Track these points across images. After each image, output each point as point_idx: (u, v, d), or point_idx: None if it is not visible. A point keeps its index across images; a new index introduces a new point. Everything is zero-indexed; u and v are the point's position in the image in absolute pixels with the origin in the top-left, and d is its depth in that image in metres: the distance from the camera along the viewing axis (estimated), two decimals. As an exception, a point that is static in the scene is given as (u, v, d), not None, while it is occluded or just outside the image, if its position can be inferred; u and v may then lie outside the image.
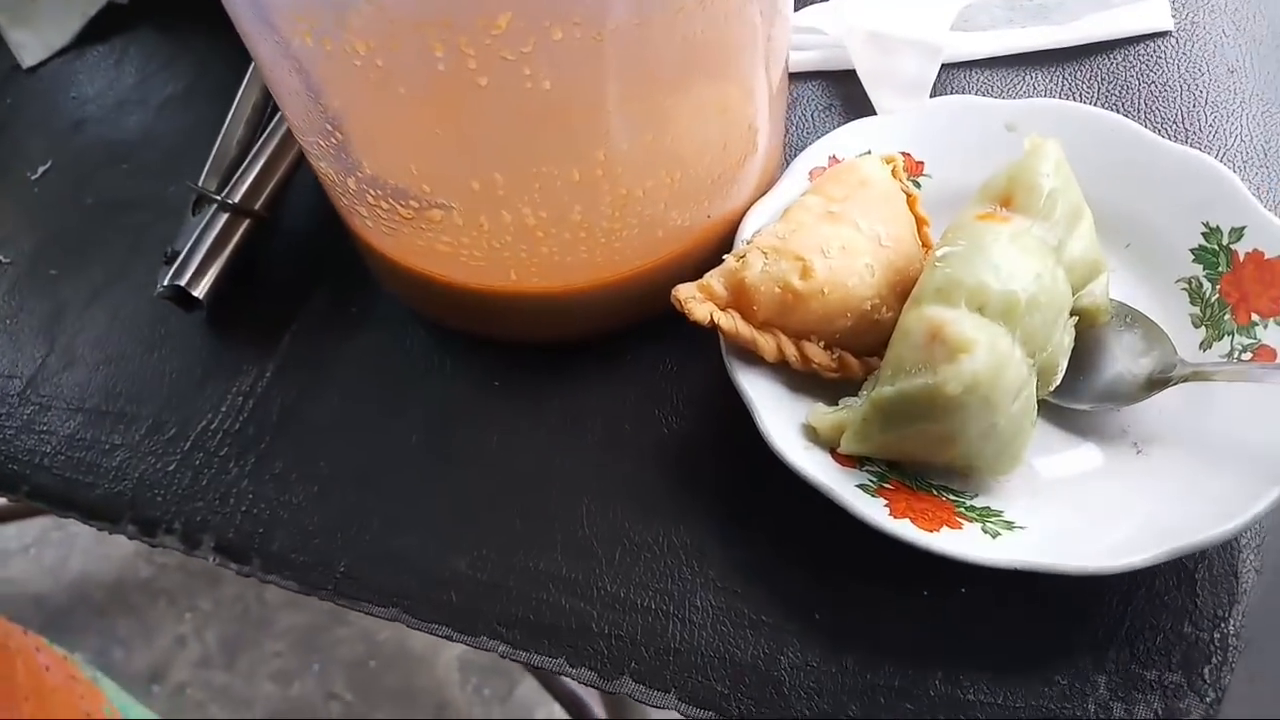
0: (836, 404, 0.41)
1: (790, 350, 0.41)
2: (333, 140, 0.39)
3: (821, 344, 0.41)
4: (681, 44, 0.36)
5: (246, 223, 0.50)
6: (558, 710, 1.17)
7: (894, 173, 0.44)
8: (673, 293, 0.41)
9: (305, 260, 0.52)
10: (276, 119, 0.52)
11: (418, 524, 0.43)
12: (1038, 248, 0.38)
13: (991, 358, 0.36)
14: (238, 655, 1.36)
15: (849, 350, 0.42)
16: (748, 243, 0.42)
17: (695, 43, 0.36)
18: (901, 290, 0.41)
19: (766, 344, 0.41)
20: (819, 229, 0.41)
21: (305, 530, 0.44)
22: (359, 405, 0.47)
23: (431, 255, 0.42)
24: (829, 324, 0.41)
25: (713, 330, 0.41)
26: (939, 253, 0.39)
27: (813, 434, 0.40)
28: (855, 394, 0.41)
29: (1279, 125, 0.49)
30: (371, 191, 0.40)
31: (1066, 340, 0.40)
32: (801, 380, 0.42)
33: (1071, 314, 0.40)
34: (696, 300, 0.41)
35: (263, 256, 0.52)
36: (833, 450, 0.40)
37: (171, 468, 0.46)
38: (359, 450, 0.46)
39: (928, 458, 0.40)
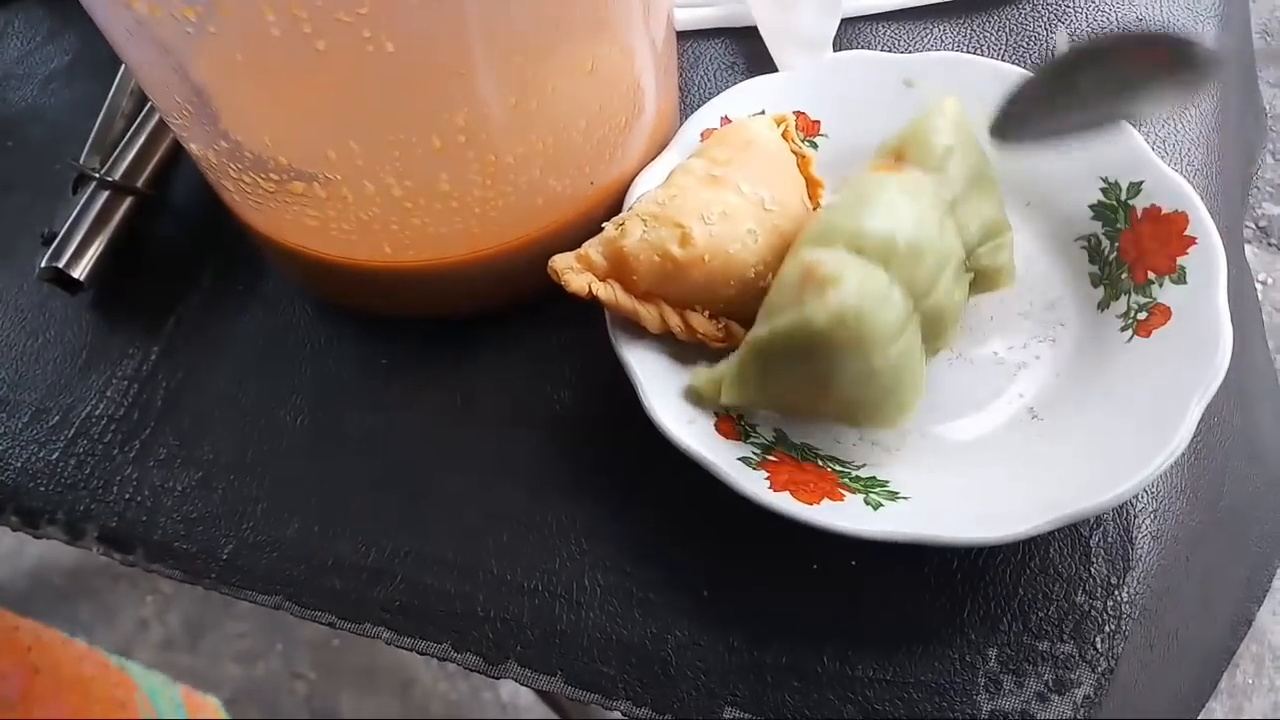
0: (719, 365, 0.40)
1: (674, 320, 0.39)
2: (186, 112, 0.37)
3: (706, 313, 0.40)
4: (539, 2, 0.34)
5: (129, 200, 0.48)
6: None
7: (785, 134, 0.43)
8: (549, 263, 0.39)
9: (192, 239, 0.50)
10: (158, 92, 0.50)
11: (302, 509, 0.42)
12: (928, 199, 0.37)
13: (862, 291, 0.35)
14: (201, 637, 1.36)
15: (736, 319, 0.40)
16: (629, 210, 0.41)
17: None
18: (787, 255, 0.40)
19: (649, 315, 0.39)
20: (700, 193, 0.40)
21: (189, 518, 0.43)
22: (245, 388, 0.45)
23: (301, 229, 0.40)
24: (713, 292, 0.39)
25: (593, 302, 0.39)
26: (825, 203, 0.37)
27: (696, 397, 0.39)
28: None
29: (1189, 75, 0.47)
30: (232, 165, 0.38)
31: (958, 294, 0.38)
32: (688, 352, 0.40)
33: (969, 270, 0.39)
34: (574, 271, 0.39)
35: (148, 236, 0.50)
36: (718, 416, 0.39)
37: (54, 456, 0.45)
38: (244, 434, 0.44)
39: (809, 407, 0.38)
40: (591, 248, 0.40)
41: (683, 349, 0.40)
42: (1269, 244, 1.49)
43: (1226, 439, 0.42)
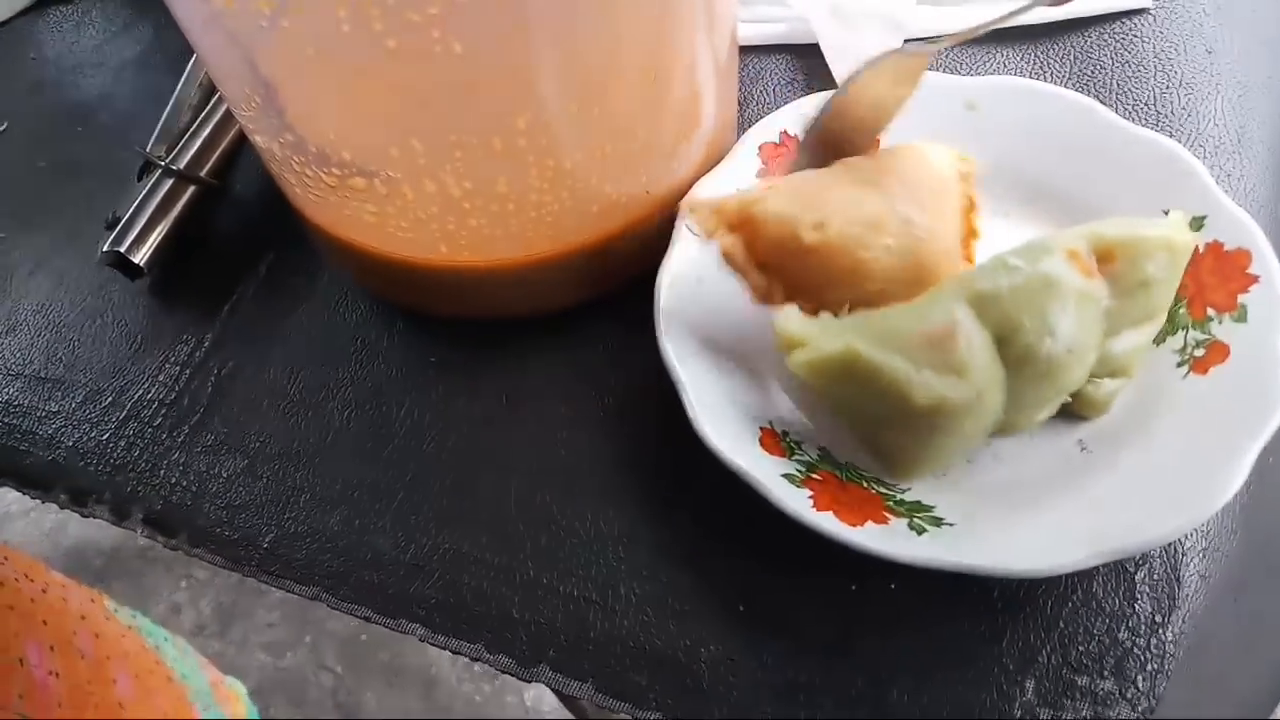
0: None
1: (779, 300, 0.39)
2: (254, 104, 0.37)
3: (812, 308, 0.39)
4: (606, 7, 0.34)
5: (192, 189, 0.49)
6: (545, 690, 1.17)
7: (964, 175, 0.41)
8: (684, 201, 0.41)
9: (253, 230, 0.51)
10: (225, 84, 0.51)
11: (344, 502, 0.43)
12: (1093, 321, 0.36)
13: (970, 399, 0.34)
14: (231, 624, 1.37)
15: None
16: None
17: (621, 9, 0.34)
18: (917, 288, 0.38)
19: (759, 282, 0.39)
20: (850, 190, 0.39)
21: (232, 504, 0.43)
22: (295, 379, 0.46)
23: (359, 225, 0.41)
24: (826, 289, 0.39)
25: (710, 243, 0.40)
26: (1007, 253, 0.36)
27: (777, 338, 0.38)
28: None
29: (1255, 109, 0.47)
30: (296, 158, 0.39)
31: (1045, 414, 0.38)
32: (736, 369, 0.40)
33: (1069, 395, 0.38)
34: (707, 211, 0.39)
35: (209, 225, 0.51)
36: (762, 431, 0.38)
37: (105, 437, 0.46)
38: (291, 425, 0.45)
39: (847, 420, 0.38)
40: (729, 202, 0.39)
41: (731, 365, 0.40)
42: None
43: (1281, 483, 0.42)
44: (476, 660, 0.39)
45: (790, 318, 0.38)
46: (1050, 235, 0.36)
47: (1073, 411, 0.39)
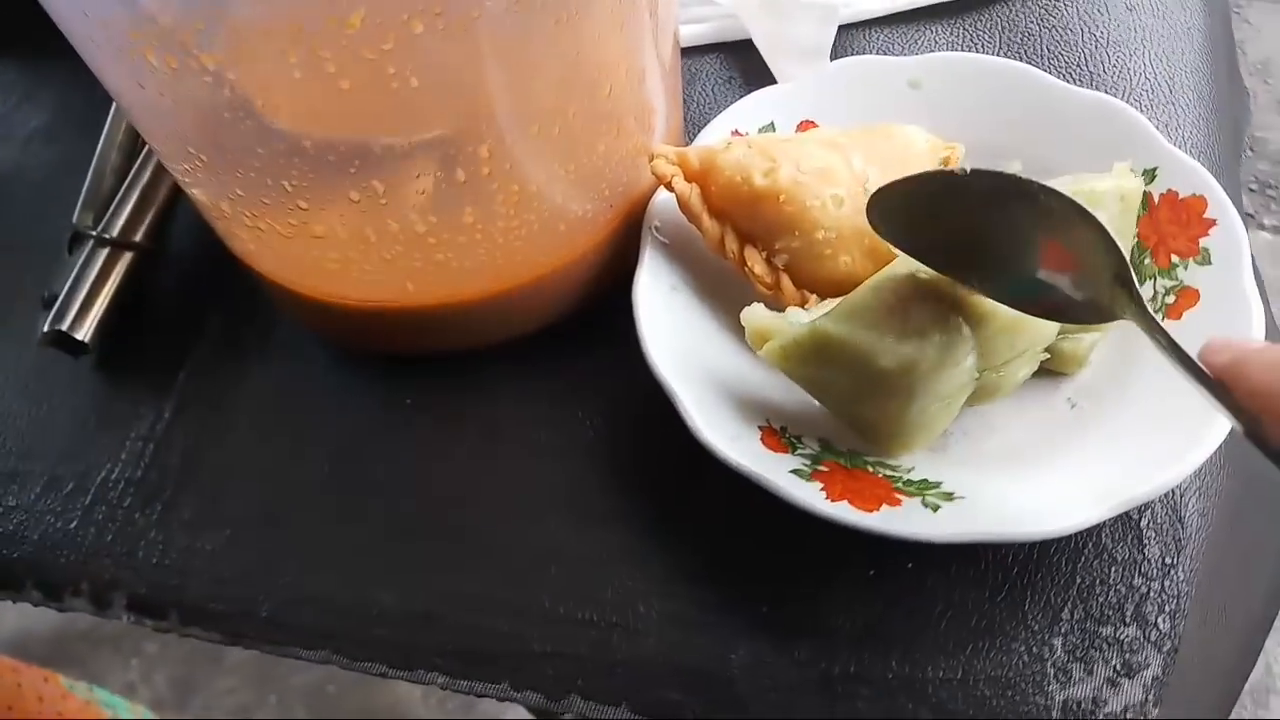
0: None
1: (732, 245, 0.40)
2: (198, 163, 0.36)
3: (765, 255, 0.40)
4: (558, 27, 0.33)
5: (128, 256, 0.47)
6: (524, 713, 1.15)
7: (945, 162, 0.42)
8: (652, 148, 0.41)
9: (196, 291, 0.49)
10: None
11: (338, 559, 0.41)
12: None
13: (941, 356, 0.35)
14: (190, 696, 1.32)
15: (792, 277, 0.40)
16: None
17: (573, 24, 0.34)
18: (870, 247, 0.40)
19: (712, 228, 0.40)
20: (810, 147, 0.40)
21: (221, 578, 0.41)
22: (266, 439, 0.44)
23: (321, 274, 0.39)
24: (776, 235, 0.40)
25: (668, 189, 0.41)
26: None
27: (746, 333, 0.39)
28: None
29: (1181, 60, 0.48)
30: (247, 213, 0.37)
31: (1023, 372, 0.38)
32: (721, 367, 0.40)
33: (1047, 349, 0.39)
34: (667, 159, 0.40)
35: (151, 291, 0.49)
36: (761, 430, 0.38)
37: (73, 525, 0.43)
38: (270, 487, 0.43)
39: (826, 402, 0.39)
40: (691, 151, 0.41)
41: (718, 368, 0.40)
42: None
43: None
44: (503, 700, 0.38)
45: (756, 313, 0.39)
46: None
47: (1053, 369, 0.40)
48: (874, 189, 0.38)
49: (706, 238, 0.40)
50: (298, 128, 0.33)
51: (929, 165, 0.42)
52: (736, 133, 0.45)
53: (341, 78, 0.31)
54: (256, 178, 0.35)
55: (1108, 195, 0.38)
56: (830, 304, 0.38)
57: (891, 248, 0.37)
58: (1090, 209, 0.36)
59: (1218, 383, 0.28)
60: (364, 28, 0.30)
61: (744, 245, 0.40)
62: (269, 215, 0.37)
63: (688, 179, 0.40)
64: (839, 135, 0.41)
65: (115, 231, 0.47)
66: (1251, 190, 1.53)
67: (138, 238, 0.47)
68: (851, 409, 0.38)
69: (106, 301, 0.46)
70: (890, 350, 0.35)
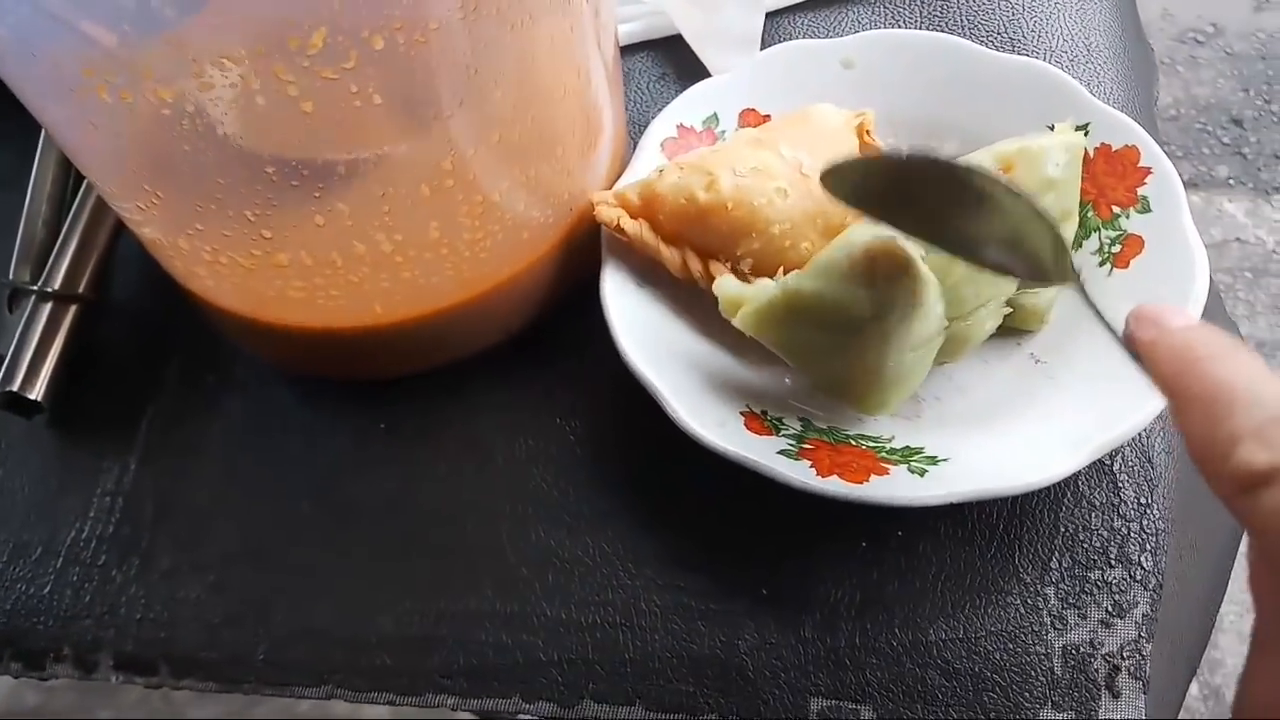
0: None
1: (695, 265, 0.40)
2: (154, 201, 0.35)
3: (729, 265, 0.40)
4: (513, 33, 0.33)
5: (73, 309, 0.46)
6: None
7: (859, 129, 0.43)
8: (591, 196, 0.41)
9: (149, 337, 0.47)
10: (84, 190, 0.48)
11: (330, 592, 0.40)
12: None
13: (911, 300, 0.35)
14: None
15: (758, 275, 0.41)
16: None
17: (527, 30, 0.34)
18: (824, 225, 0.40)
19: (671, 255, 0.40)
20: (740, 150, 0.41)
21: (211, 625, 0.40)
22: (239, 479, 0.43)
23: (286, 304, 0.39)
24: (734, 243, 0.40)
25: (619, 235, 0.41)
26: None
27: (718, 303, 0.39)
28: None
29: (1095, 18, 0.50)
30: (207, 249, 0.37)
31: (989, 324, 0.39)
32: (696, 357, 0.41)
33: (1009, 304, 0.40)
34: (609, 205, 0.41)
35: (101, 342, 0.47)
36: (744, 416, 0.39)
37: (46, 590, 0.42)
38: (249, 527, 0.42)
39: (805, 367, 0.39)
40: (629, 188, 0.41)
41: (694, 358, 0.41)
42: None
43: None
44: (515, 714, 0.38)
45: (727, 283, 0.39)
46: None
47: (1016, 326, 0.41)
48: (810, 172, 0.39)
49: (669, 266, 0.41)
50: (260, 154, 0.33)
51: (849, 138, 0.43)
52: (682, 126, 0.45)
53: (304, 100, 0.31)
54: (217, 210, 0.34)
55: (1054, 150, 0.39)
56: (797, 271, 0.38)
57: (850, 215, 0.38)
58: (1040, 163, 0.38)
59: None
60: (326, 48, 0.29)
61: (707, 262, 0.41)
62: (230, 248, 0.36)
63: (633, 216, 0.41)
64: (759, 133, 0.42)
65: (56, 284, 0.45)
66: (1146, 148, 1.59)
67: (81, 289, 0.46)
68: (828, 368, 0.39)
69: (56, 357, 0.44)
70: (863, 298, 0.36)
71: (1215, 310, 0.53)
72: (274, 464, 0.43)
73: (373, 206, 0.35)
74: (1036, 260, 0.34)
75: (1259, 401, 0.22)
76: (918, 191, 0.36)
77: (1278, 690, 0.21)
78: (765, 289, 0.38)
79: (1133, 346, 0.28)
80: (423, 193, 0.35)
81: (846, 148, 0.42)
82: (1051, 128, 0.43)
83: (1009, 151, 0.39)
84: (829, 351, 0.38)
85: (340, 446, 0.44)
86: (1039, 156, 0.39)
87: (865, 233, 0.37)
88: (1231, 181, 1.58)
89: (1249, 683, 0.22)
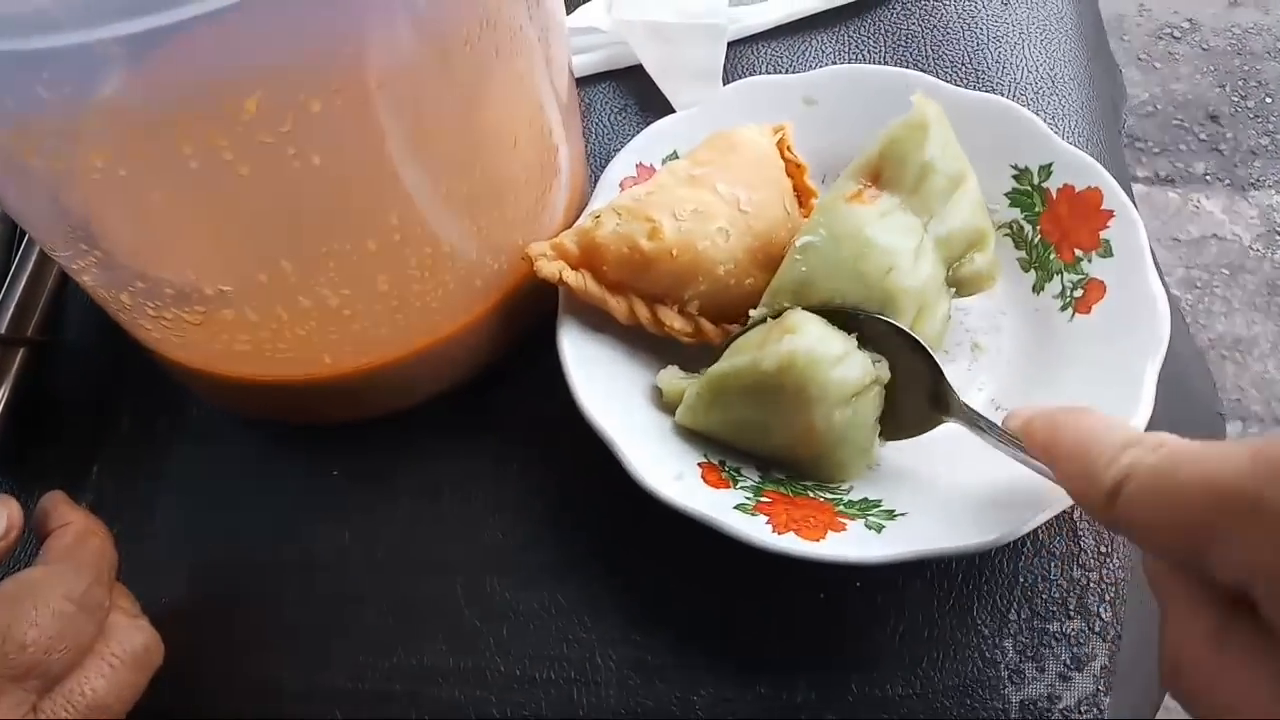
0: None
1: (643, 313, 0.40)
2: (93, 259, 0.34)
3: (676, 308, 0.40)
4: (457, 87, 0.33)
5: (21, 352, 0.45)
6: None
7: (779, 145, 0.43)
8: (526, 249, 0.40)
9: (100, 381, 0.47)
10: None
11: (282, 645, 0.40)
12: (902, 226, 0.38)
13: (816, 345, 0.35)
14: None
15: (708, 317, 0.40)
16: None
17: (473, 85, 0.33)
18: (764, 259, 0.40)
19: (618, 305, 0.40)
20: (677, 191, 0.40)
21: (157, 678, 0.40)
22: (192, 529, 0.43)
23: (233, 357, 0.38)
24: (682, 287, 0.40)
25: (562, 287, 0.40)
26: (799, 242, 0.38)
27: (659, 397, 0.40)
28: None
29: (1061, 50, 0.50)
30: (150, 304, 0.36)
31: (940, 310, 0.39)
32: (656, 404, 0.40)
33: (951, 284, 0.40)
34: (547, 258, 0.40)
35: (51, 386, 0.46)
36: (701, 467, 0.38)
37: (-9, 642, 0.41)
38: (201, 577, 0.42)
39: (749, 444, 0.39)
40: (567, 237, 0.40)
41: (654, 405, 0.40)
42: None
43: (1164, 389, 0.44)
44: (468, 772, 0.38)
45: (668, 379, 0.40)
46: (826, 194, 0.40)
47: (967, 293, 0.41)
48: (749, 207, 0.39)
49: (615, 315, 0.40)
50: (199, 218, 0.32)
51: (777, 161, 0.43)
52: (641, 166, 0.45)
53: (240, 164, 0.30)
54: (158, 269, 0.34)
55: (911, 133, 0.39)
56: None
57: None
58: (911, 153, 0.38)
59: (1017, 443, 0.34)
60: (260, 112, 0.29)
61: (653, 307, 0.40)
62: (174, 304, 0.35)
63: (574, 266, 0.40)
64: (690, 167, 0.41)
65: (2, 327, 0.45)
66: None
67: (29, 332, 0.45)
68: (772, 443, 0.39)
69: (3, 402, 0.44)
70: (769, 353, 0.36)
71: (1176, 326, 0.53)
72: (227, 512, 0.43)
73: (318, 263, 0.34)
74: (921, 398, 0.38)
75: (1110, 437, 0.27)
76: None
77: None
78: (692, 384, 0.39)
79: (1008, 441, 0.34)
80: (369, 248, 0.34)
81: (776, 173, 0.42)
82: (1016, 166, 0.43)
83: (870, 158, 0.39)
84: (765, 423, 0.38)
85: (295, 494, 0.43)
86: (902, 153, 0.38)
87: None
88: (1209, 178, 1.58)
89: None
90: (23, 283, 0.45)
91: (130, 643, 0.34)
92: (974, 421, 0.36)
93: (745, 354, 0.37)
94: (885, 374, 0.37)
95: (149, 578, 0.42)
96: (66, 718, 0.32)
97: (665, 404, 0.40)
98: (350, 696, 0.39)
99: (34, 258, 0.46)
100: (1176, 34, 1.72)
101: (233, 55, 0.28)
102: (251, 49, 0.28)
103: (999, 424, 0.35)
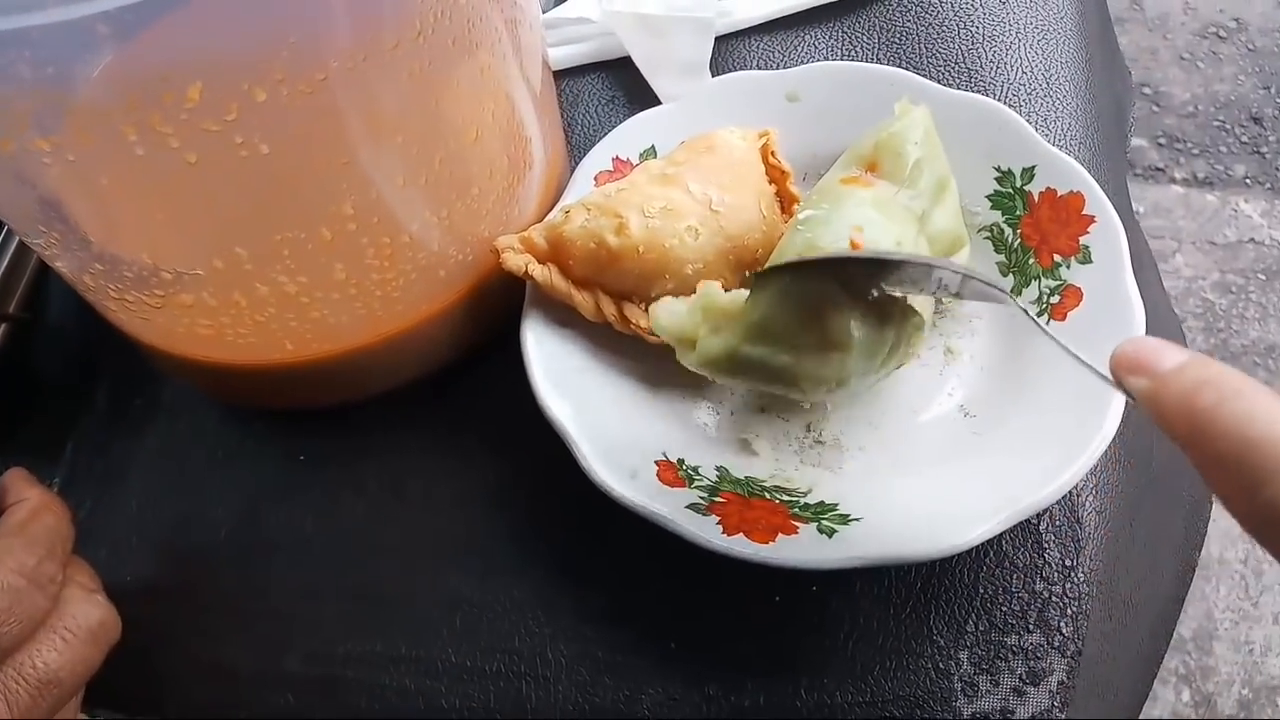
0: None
1: (610, 309, 0.40)
2: (52, 239, 0.35)
3: (644, 306, 0.40)
4: (411, 81, 0.33)
5: (2, 327, 0.45)
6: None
7: (763, 150, 0.43)
8: (494, 242, 0.40)
9: (78, 358, 0.47)
10: (15, 209, 0.47)
11: (240, 627, 0.40)
12: (901, 213, 0.37)
13: (861, 362, 0.35)
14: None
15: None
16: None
17: (428, 76, 0.33)
18: (735, 261, 0.40)
19: (584, 301, 0.40)
20: (648, 189, 0.40)
21: (123, 656, 0.40)
22: (161, 506, 0.43)
23: (196, 340, 0.38)
24: (648, 285, 0.39)
25: (528, 281, 0.40)
26: (801, 215, 0.37)
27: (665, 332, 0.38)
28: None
29: (1056, 51, 0.48)
30: (111, 286, 0.36)
31: (928, 309, 0.38)
32: (619, 398, 0.40)
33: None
34: (514, 251, 0.39)
35: (29, 362, 0.47)
36: (658, 465, 0.38)
37: (-39, 612, 0.42)
38: (167, 557, 0.42)
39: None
40: (535, 231, 0.40)
41: (616, 400, 0.40)
42: (1134, 174, 1.55)
43: (1148, 401, 0.43)
44: (416, 762, 0.38)
45: (662, 316, 0.38)
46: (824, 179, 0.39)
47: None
48: (721, 208, 0.39)
49: (582, 310, 0.40)
50: (147, 204, 0.32)
51: (756, 165, 0.42)
52: (617, 159, 0.44)
53: (187, 151, 0.30)
54: (114, 252, 0.34)
55: (908, 131, 0.39)
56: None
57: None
58: (902, 151, 0.38)
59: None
60: (204, 101, 0.29)
61: (620, 304, 0.40)
62: (134, 287, 0.36)
63: (541, 261, 0.40)
64: (665, 166, 0.41)
65: (-15, 303, 0.45)
66: (1160, 145, 1.56)
67: (10, 309, 0.45)
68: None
69: (-18, 377, 0.44)
70: (817, 385, 0.36)
71: (1173, 332, 0.51)
72: (194, 493, 0.43)
73: (272, 250, 0.34)
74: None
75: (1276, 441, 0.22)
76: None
77: None
78: (709, 339, 0.37)
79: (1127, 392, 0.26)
80: (323, 235, 0.34)
81: (754, 176, 0.42)
82: (999, 169, 0.42)
83: (864, 149, 0.39)
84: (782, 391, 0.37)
85: (261, 476, 0.43)
86: (899, 146, 0.38)
87: (801, 289, 0.35)
88: (1249, 181, 1.54)
89: None
90: (5, 261, 0.46)
91: (85, 617, 0.35)
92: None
93: (783, 352, 0.36)
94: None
95: (116, 556, 0.42)
96: (18, 689, 0.32)
97: (673, 341, 0.38)
98: (303, 682, 0.39)
99: (17, 238, 0.47)
100: (1222, 34, 1.68)
101: (173, 44, 0.28)
102: (192, 38, 0.28)
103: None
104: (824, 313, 0.35)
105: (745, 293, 0.36)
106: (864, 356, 0.35)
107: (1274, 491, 0.21)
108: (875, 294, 0.35)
